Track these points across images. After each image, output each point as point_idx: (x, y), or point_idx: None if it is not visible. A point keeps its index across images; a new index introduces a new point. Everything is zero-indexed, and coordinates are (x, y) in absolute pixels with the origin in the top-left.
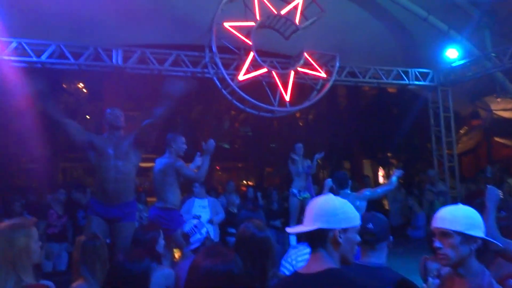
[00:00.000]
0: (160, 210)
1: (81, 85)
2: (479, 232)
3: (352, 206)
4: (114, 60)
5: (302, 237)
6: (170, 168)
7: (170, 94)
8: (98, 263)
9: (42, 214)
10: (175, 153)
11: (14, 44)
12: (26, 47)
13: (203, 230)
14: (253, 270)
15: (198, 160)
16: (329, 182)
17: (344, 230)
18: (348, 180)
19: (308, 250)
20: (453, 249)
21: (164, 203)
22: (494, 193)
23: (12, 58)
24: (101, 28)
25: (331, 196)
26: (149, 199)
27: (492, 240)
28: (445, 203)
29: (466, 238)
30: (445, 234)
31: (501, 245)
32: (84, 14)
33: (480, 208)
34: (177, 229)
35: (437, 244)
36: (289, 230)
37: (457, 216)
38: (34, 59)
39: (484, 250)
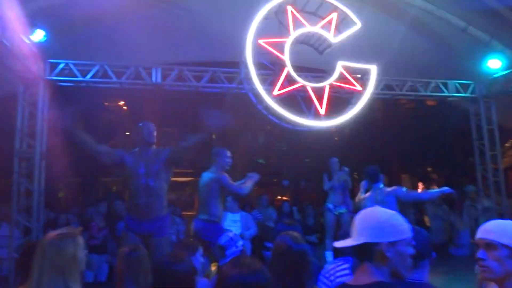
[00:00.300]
0: (204, 223)
1: (121, 103)
2: None
3: (401, 218)
4: (153, 78)
5: (345, 252)
6: (215, 182)
7: (208, 127)
8: (141, 273)
9: (84, 226)
10: (221, 167)
11: (61, 65)
12: (73, 68)
13: (239, 243)
14: (289, 282)
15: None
16: (364, 184)
17: (393, 244)
18: (380, 174)
19: (347, 265)
20: (498, 262)
21: (208, 216)
22: None
23: (60, 78)
24: (141, 48)
25: (377, 209)
26: (184, 213)
27: None
28: (476, 219)
29: None
30: (490, 246)
31: None
32: (126, 35)
33: None
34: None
35: (480, 254)
36: (336, 244)
37: (506, 230)
38: (80, 78)
39: None
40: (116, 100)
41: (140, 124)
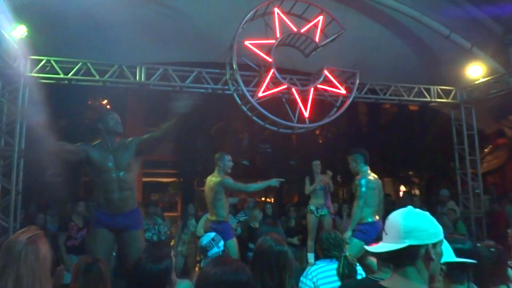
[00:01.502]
0: (212, 223)
1: (105, 101)
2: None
3: (434, 219)
4: (137, 77)
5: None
6: (219, 186)
7: (177, 110)
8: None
9: (63, 227)
10: (223, 171)
11: (43, 62)
12: (55, 65)
13: (221, 244)
14: (270, 282)
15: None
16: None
17: (434, 245)
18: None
19: (333, 266)
20: None
21: (216, 217)
22: None
23: (41, 75)
24: (126, 46)
25: (414, 210)
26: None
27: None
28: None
29: None
30: None
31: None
32: (110, 34)
33: None
34: (228, 240)
35: None
36: (370, 249)
37: None
38: (62, 76)
39: None
40: (99, 99)
41: (104, 113)
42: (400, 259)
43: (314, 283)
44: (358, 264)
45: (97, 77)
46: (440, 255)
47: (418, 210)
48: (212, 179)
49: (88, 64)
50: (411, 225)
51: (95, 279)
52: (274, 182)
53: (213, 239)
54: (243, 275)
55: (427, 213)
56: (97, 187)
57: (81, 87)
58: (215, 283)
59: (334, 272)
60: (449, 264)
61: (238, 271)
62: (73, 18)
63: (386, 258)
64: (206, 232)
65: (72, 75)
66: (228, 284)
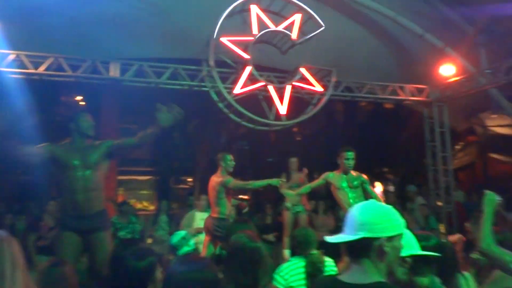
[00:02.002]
0: (214, 220)
1: (79, 98)
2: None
3: (396, 213)
4: (112, 73)
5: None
6: (220, 185)
7: (161, 122)
8: None
9: (33, 227)
10: (225, 170)
11: (12, 56)
12: (25, 59)
13: (191, 242)
14: (243, 279)
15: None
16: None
17: (390, 238)
18: None
19: (302, 264)
20: None
21: (217, 214)
22: (491, 199)
23: (10, 70)
24: (99, 41)
25: (374, 203)
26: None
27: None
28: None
29: None
30: None
31: None
32: (83, 28)
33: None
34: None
35: None
36: (328, 239)
37: None
38: (32, 70)
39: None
40: (73, 95)
41: (77, 114)
42: (355, 251)
43: (285, 280)
44: (331, 261)
45: (70, 73)
46: (397, 248)
47: (378, 203)
48: (214, 179)
49: (60, 58)
50: (366, 217)
51: (56, 282)
52: (276, 182)
53: (183, 238)
54: (210, 273)
55: (388, 207)
56: (62, 188)
57: (53, 83)
58: (181, 281)
59: (303, 269)
60: (413, 257)
61: (205, 269)
62: (44, 11)
63: (345, 250)
64: (207, 228)
65: (43, 70)
66: (194, 281)
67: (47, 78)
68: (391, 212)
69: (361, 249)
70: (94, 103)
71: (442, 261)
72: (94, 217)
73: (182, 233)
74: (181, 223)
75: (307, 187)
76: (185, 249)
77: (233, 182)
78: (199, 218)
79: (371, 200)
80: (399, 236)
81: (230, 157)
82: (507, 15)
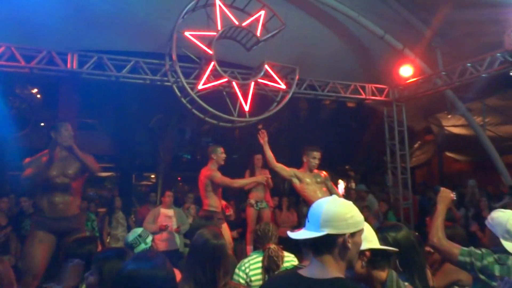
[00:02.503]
0: (205, 212)
1: (35, 90)
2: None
3: (357, 209)
4: (69, 65)
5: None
6: (207, 178)
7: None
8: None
9: None
10: (217, 163)
11: None
12: None
13: (149, 240)
14: (202, 277)
15: None
16: None
17: (352, 234)
18: None
19: (260, 258)
20: None
21: (207, 207)
22: (446, 195)
23: None
24: (55, 32)
25: (336, 199)
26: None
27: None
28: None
29: None
30: None
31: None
32: (37, 18)
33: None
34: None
35: None
36: (291, 235)
37: None
38: None
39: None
40: (28, 88)
41: (59, 123)
42: (318, 247)
43: (246, 274)
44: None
45: (23, 63)
46: (358, 244)
47: (341, 199)
48: (203, 172)
49: (13, 48)
50: (331, 214)
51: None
52: (262, 179)
53: (140, 235)
54: (160, 271)
55: (350, 203)
56: (39, 191)
57: (5, 74)
58: (129, 279)
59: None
60: (372, 251)
61: (155, 267)
62: None
63: (306, 245)
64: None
65: None
66: (142, 280)
67: None
68: (354, 209)
69: (324, 245)
70: (51, 96)
71: (408, 253)
72: (70, 219)
73: (138, 230)
74: (146, 220)
75: (280, 167)
76: (142, 247)
77: (220, 177)
78: (164, 215)
79: (333, 196)
80: (361, 231)
81: (220, 149)
82: (462, 19)
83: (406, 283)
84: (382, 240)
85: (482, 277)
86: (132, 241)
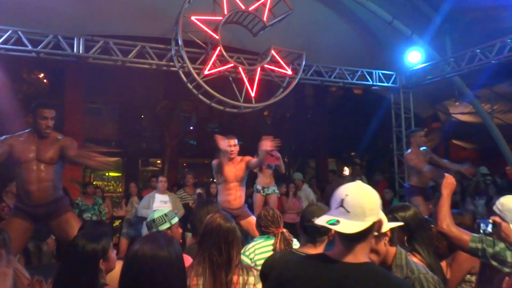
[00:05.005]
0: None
1: (41, 75)
2: (385, 226)
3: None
4: (75, 49)
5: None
6: (213, 168)
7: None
8: None
9: None
10: (223, 155)
11: None
12: None
13: (174, 220)
14: (219, 258)
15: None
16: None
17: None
18: None
19: (269, 243)
20: (373, 253)
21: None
22: (450, 181)
23: None
24: (61, 17)
25: (364, 185)
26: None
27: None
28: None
29: (378, 237)
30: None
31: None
32: (44, 3)
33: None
34: None
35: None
36: (337, 228)
37: None
38: None
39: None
40: (35, 72)
41: (38, 108)
42: (358, 236)
43: (251, 259)
44: (296, 240)
45: (30, 47)
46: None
47: (364, 184)
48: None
49: (20, 32)
50: (373, 202)
51: None
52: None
53: (166, 215)
54: (162, 251)
55: (368, 186)
56: (16, 177)
57: (12, 58)
58: (133, 258)
59: (271, 247)
60: None
61: (158, 247)
62: None
63: (345, 236)
64: None
65: (1, 44)
66: (144, 259)
67: (4, 53)
68: (375, 191)
69: (365, 234)
70: (58, 80)
71: (417, 230)
72: (49, 204)
73: (165, 210)
74: (141, 204)
75: None
76: (166, 226)
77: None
78: (159, 200)
79: (359, 182)
80: None
81: (226, 142)
82: (471, 5)
83: (409, 253)
84: (392, 220)
85: (494, 263)
86: (157, 218)
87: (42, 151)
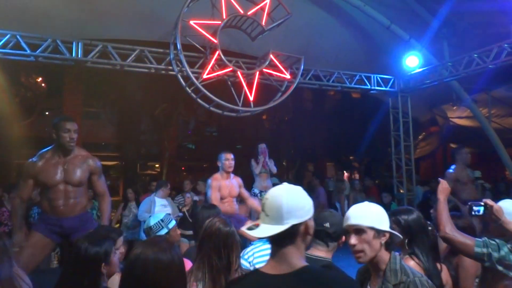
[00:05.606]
0: None
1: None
2: (387, 227)
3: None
4: (74, 53)
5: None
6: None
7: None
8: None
9: None
10: (222, 169)
11: None
12: None
13: (171, 224)
14: (218, 262)
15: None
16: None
17: (310, 219)
18: None
19: (267, 246)
20: (368, 244)
21: None
22: (445, 186)
23: None
24: (60, 21)
25: (289, 187)
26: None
27: (395, 233)
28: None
29: (378, 232)
30: (359, 230)
31: (400, 236)
32: (42, 7)
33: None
34: None
35: (352, 241)
36: (252, 233)
37: (367, 213)
38: None
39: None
40: (33, 76)
41: (59, 121)
42: (281, 240)
43: (249, 262)
44: None
45: (28, 51)
46: (313, 228)
47: (292, 186)
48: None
49: (18, 36)
50: (292, 204)
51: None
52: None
53: (162, 220)
54: (164, 255)
55: (300, 188)
56: (42, 193)
57: (11, 62)
58: (135, 261)
59: (269, 250)
60: None
61: (159, 251)
62: None
63: (267, 240)
64: None
65: None
66: (146, 263)
67: (3, 57)
68: (305, 194)
69: (288, 237)
70: (56, 84)
71: (418, 234)
72: (75, 218)
73: (161, 215)
74: (142, 208)
75: None
76: (164, 231)
77: (209, 192)
78: (160, 204)
79: (285, 184)
80: (312, 215)
81: (224, 155)
82: (469, 10)
83: (407, 256)
84: (395, 223)
85: (499, 268)
86: (154, 225)
87: (70, 173)
